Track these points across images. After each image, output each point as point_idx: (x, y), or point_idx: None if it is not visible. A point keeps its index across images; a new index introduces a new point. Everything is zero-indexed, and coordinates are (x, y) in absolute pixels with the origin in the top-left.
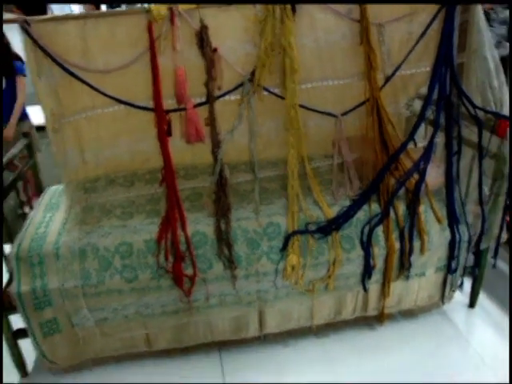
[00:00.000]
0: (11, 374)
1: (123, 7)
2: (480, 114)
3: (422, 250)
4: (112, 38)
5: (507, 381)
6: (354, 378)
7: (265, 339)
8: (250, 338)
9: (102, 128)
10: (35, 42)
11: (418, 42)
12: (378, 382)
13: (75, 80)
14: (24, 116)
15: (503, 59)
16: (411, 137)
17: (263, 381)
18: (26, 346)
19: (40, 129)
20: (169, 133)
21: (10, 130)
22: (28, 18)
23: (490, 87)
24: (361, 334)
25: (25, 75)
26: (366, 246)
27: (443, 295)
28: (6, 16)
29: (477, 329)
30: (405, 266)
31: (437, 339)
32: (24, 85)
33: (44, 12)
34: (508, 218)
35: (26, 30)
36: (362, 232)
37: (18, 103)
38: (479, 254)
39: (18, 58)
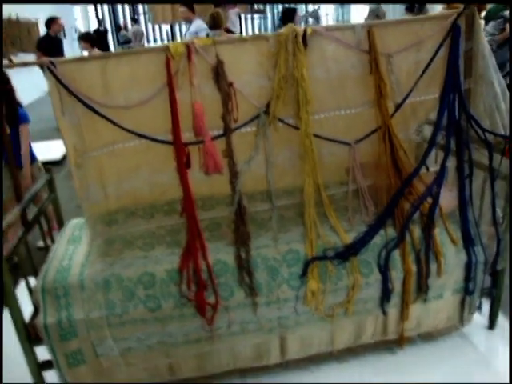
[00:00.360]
0: None
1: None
2: (489, 137)
3: (438, 273)
4: (132, 75)
5: (507, 381)
6: None
7: (287, 366)
8: (272, 365)
9: (123, 162)
10: (59, 81)
11: (425, 70)
12: None
13: (97, 116)
14: (32, 159)
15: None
16: (423, 162)
17: None
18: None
19: (51, 163)
20: (188, 165)
21: (27, 180)
22: (53, 59)
23: (498, 110)
24: (381, 357)
25: (28, 122)
26: (384, 269)
27: (462, 317)
28: (31, 58)
29: (497, 350)
30: (422, 289)
31: (457, 361)
32: (27, 133)
33: (62, 53)
34: None
35: (51, 70)
36: (379, 256)
37: (23, 153)
38: (496, 275)
39: (19, 105)
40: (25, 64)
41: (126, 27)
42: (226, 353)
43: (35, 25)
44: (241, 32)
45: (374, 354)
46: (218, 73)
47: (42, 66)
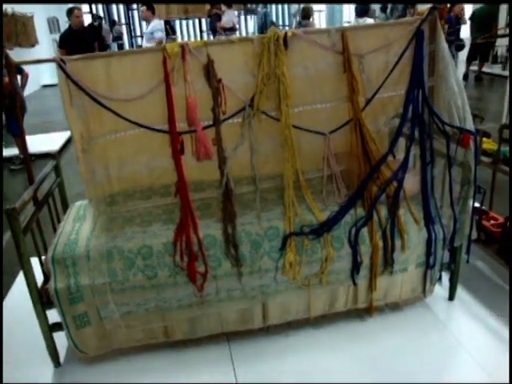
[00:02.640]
0: (46, 363)
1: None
2: (447, 128)
3: (402, 248)
4: (133, 72)
5: (507, 381)
6: (347, 363)
7: (268, 330)
8: (255, 329)
9: (124, 148)
10: (69, 76)
11: (393, 70)
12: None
13: (101, 108)
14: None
15: None
16: (390, 150)
17: (268, 366)
18: (58, 338)
19: (42, 156)
20: (181, 151)
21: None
22: (63, 57)
23: (455, 106)
24: (353, 324)
25: None
26: (354, 244)
27: (424, 289)
28: (28, 53)
29: (455, 318)
30: (388, 262)
31: (420, 328)
32: None
33: (90, 47)
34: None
35: (61, 67)
36: (350, 232)
37: None
38: (454, 251)
39: None
40: (38, 61)
41: (114, 23)
42: (215, 317)
43: (30, 19)
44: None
45: (346, 321)
46: (209, 70)
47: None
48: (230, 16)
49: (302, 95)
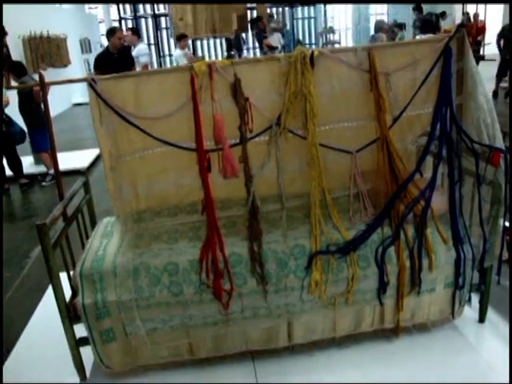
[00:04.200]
0: (72, 377)
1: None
2: (476, 147)
3: (430, 268)
4: (160, 91)
5: (507, 381)
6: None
7: (293, 349)
8: (280, 349)
9: (152, 166)
10: (99, 95)
11: (420, 88)
12: None
13: (130, 126)
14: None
15: None
16: (418, 168)
17: None
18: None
19: (71, 173)
20: (208, 169)
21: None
22: (94, 76)
23: (484, 123)
24: (379, 345)
25: None
26: (380, 264)
27: (453, 310)
28: (61, 73)
29: (486, 341)
30: (416, 282)
31: (448, 351)
32: None
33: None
34: (508, 238)
35: (92, 86)
36: (377, 252)
37: None
38: (484, 272)
39: None
40: (70, 81)
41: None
42: (240, 335)
43: (64, 40)
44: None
45: (372, 341)
46: (236, 89)
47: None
48: (277, 36)
49: (328, 113)
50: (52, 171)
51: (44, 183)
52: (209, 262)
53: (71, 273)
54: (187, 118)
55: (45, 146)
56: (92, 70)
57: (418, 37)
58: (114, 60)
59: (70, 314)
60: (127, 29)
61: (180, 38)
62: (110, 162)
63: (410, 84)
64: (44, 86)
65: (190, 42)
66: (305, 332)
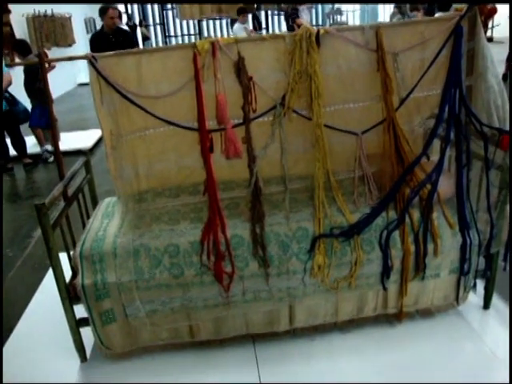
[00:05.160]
0: (73, 358)
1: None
2: (486, 130)
3: (435, 253)
4: (163, 69)
5: (507, 381)
6: (373, 369)
7: (294, 333)
8: (281, 332)
9: (153, 146)
10: (99, 73)
11: (429, 68)
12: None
13: (131, 105)
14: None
15: None
16: (424, 151)
17: (293, 369)
18: (85, 333)
19: (76, 153)
20: (211, 150)
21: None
22: (94, 54)
23: (495, 106)
24: (381, 330)
25: None
26: (384, 248)
27: (458, 296)
28: (65, 52)
29: (490, 328)
30: (420, 267)
31: (451, 337)
32: None
33: None
34: None
35: (92, 64)
36: (381, 236)
37: None
38: (490, 258)
39: None
40: (70, 58)
41: (141, 23)
42: (240, 318)
43: (68, 19)
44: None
45: (374, 326)
46: (240, 68)
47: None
48: (307, 15)
49: (334, 94)
50: (46, 147)
51: (50, 159)
52: (210, 243)
53: (71, 253)
54: (190, 98)
55: (41, 122)
56: None
57: (437, 15)
58: (110, 42)
59: (69, 294)
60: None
61: (240, 13)
62: (110, 141)
63: (418, 64)
64: (44, 63)
65: (196, 22)
66: (306, 316)
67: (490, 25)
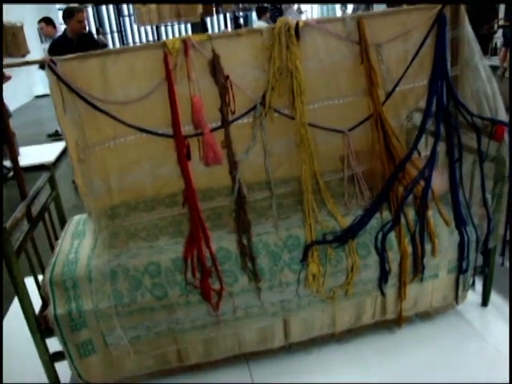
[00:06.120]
0: None
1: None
2: (477, 121)
3: (433, 253)
4: (131, 72)
5: (507, 381)
6: (375, 378)
7: (290, 348)
8: (275, 348)
9: (125, 156)
10: (60, 78)
11: (413, 59)
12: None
13: (98, 112)
14: None
15: None
16: (415, 147)
17: None
18: (61, 366)
19: (36, 168)
20: (188, 157)
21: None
22: (54, 57)
23: (485, 95)
24: (381, 337)
25: None
26: (381, 251)
27: (457, 295)
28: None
29: (491, 326)
30: (418, 269)
31: (453, 338)
32: None
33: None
34: None
35: (52, 68)
36: (376, 238)
37: None
38: (487, 253)
39: None
40: (27, 63)
41: (98, 31)
42: (232, 337)
43: (20, 28)
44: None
45: (374, 334)
46: (215, 66)
47: (42, 66)
48: (293, 13)
49: (317, 90)
50: (5, 164)
51: (10, 175)
52: (194, 259)
53: (40, 280)
54: (162, 101)
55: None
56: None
57: None
58: (74, 49)
59: (40, 327)
60: (39, 20)
61: (261, 13)
62: (77, 153)
63: (402, 55)
64: None
65: (154, 27)
66: (302, 329)
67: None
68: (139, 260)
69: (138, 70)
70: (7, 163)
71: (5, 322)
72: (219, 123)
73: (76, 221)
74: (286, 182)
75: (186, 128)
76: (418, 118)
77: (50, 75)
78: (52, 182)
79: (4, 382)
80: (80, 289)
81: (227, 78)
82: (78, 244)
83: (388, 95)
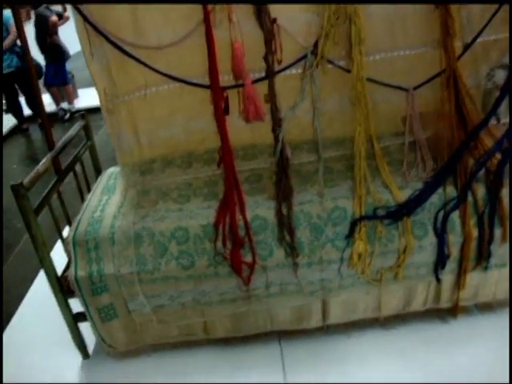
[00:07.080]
0: (74, 355)
1: None
2: None
3: (503, 239)
4: (165, 12)
5: (507, 381)
6: (421, 373)
7: (327, 330)
8: (311, 329)
9: (156, 107)
10: (86, 19)
11: (503, 3)
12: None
13: (128, 58)
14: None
15: None
16: (493, 112)
17: (324, 370)
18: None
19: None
20: (226, 111)
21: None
22: None
23: None
24: (432, 326)
25: None
26: (441, 232)
27: None
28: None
29: None
30: (483, 256)
31: None
32: None
33: None
34: None
35: (77, 8)
36: (436, 218)
37: None
38: None
39: None
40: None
41: None
42: (264, 314)
43: None
44: None
45: (423, 322)
46: (260, 8)
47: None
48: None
49: (379, 39)
50: (62, 106)
51: (66, 117)
52: (226, 227)
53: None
54: (199, 47)
55: (56, 81)
56: None
57: None
58: None
59: (62, 288)
60: None
61: None
62: (106, 102)
63: None
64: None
65: None
66: (343, 311)
67: None
68: (166, 224)
69: (174, 12)
70: (65, 105)
71: (39, 278)
72: (263, 74)
73: (109, 174)
74: (337, 144)
75: (225, 78)
76: (501, 77)
77: (76, 16)
78: (87, 131)
79: (39, 338)
80: (102, 251)
81: (274, 21)
82: (106, 200)
83: (466, 47)
